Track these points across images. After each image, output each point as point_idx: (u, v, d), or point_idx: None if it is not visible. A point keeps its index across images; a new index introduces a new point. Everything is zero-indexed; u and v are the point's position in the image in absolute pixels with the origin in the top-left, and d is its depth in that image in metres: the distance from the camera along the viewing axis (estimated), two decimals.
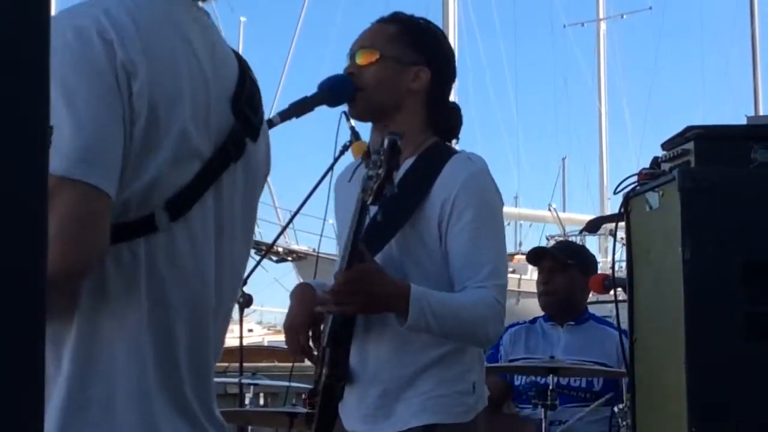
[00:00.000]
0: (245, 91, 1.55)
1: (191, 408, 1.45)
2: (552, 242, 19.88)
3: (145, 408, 1.38)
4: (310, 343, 2.56)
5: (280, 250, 18.77)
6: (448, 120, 2.64)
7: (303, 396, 5.12)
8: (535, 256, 4.68)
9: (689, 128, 2.69)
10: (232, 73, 1.55)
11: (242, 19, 31.39)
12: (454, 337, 2.46)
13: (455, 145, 2.73)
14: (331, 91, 2.53)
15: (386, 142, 2.23)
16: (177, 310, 1.42)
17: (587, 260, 4.60)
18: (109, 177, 1.31)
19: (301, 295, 2.61)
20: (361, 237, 2.38)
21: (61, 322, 1.36)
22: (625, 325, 3.03)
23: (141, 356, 1.38)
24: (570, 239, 19.99)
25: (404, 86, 2.55)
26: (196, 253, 1.44)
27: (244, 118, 1.53)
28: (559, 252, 4.59)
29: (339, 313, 2.45)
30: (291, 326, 2.57)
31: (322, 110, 2.54)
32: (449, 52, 2.69)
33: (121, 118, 1.33)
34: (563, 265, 4.43)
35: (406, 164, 2.53)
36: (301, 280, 2.78)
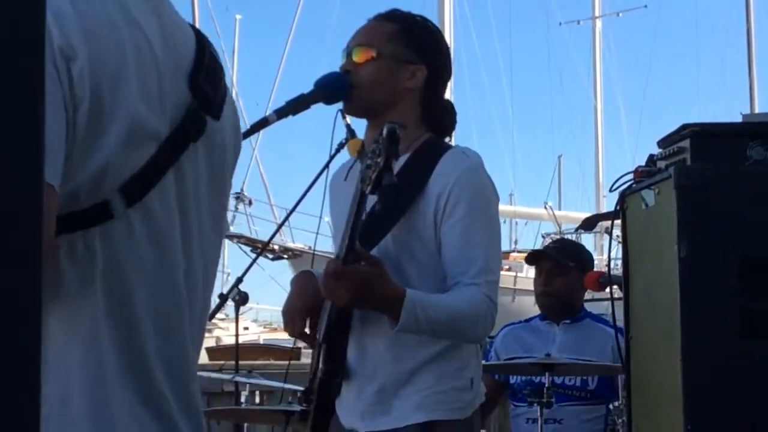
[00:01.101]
0: (203, 67, 1.48)
1: (162, 401, 1.39)
2: (548, 240, 19.92)
3: (102, 406, 1.33)
4: (307, 330, 2.56)
5: (276, 247, 18.79)
6: (443, 117, 2.65)
7: (299, 394, 5.12)
8: (534, 257, 4.67)
9: (685, 126, 2.69)
10: (188, 49, 1.48)
11: (238, 17, 31.42)
12: (444, 337, 2.47)
13: (449, 140, 2.74)
14: (328, 89, 2.53)
15: (385, 130, 2.22)
16: (140, 299, 1.37)
17: (586, 260, 4.60)
18: (53, 169, 1.25)
19: (302, 282, 2.61)
20: (360, 227, 2.38)
21: None
22: (620, 323, 3.03)
23: (98, 351, 1.33)
24: (566, 237, 20.01)
25: (401, 85, 2.55)
26: (158, 240, 1.38)
27: (203, 96, 1.46)
28: (559, 254, 4.56)
29: (329, 298, 2.45)
30: (289, 310, 2.57)
31: (319, 108, 2.54)
32: (446, 51, 2.69)
33: (62, 107, 1.27)
34: (563, 267, 4.42)
35: (401, 160, 2.53)
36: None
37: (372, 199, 2.36)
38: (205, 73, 1.47)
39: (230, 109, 1.55)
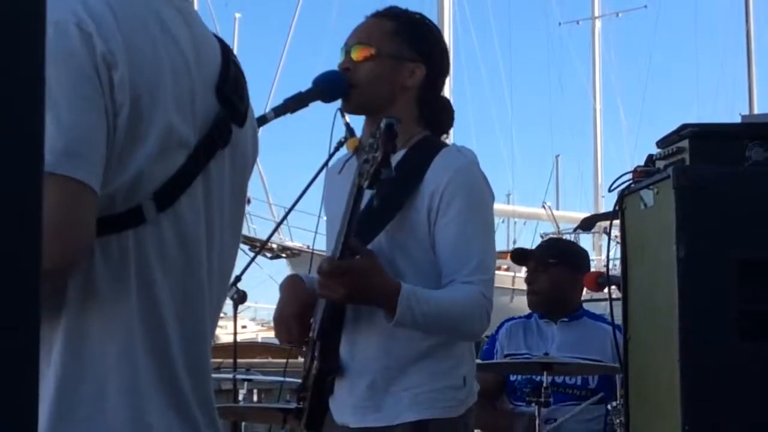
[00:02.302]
0: (230, 77, 1.53)
1: (187, 402, 1.43)
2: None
3: (136, 404, 1.36)
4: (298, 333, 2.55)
5: (275, 246, 18.78)
6: (440, 115, 2.65)
7: (296, 392, 5.11)
8: (519, 257, 4.76)
9: (684, 126, 2.69)
10: (215, 59, 1.53)
11: (237, 15, 31.31)
12: (439, 333, 2.47)
13: (445, 139, 2.74)
14: (326, 87, 2.53)
15: (383, 124, 2.22)
16: (168, 301, 1.41)
17: (573, 257, 4.60)
18: (94, 171, 1.30)
19: (291, 287, 2.60)
20: (356, 222, 2.38)
21: (48, 319, 1.34)
22: (618, 323, 3.03)
23: (132, 351, 1.37)
24: (564, 237, 20.02)
25: (399, 83, 2.55)
26: (186, 243, 1.43)
27: (230, 105, 1.51)
28: (541, 251, 4.63)
29: (323, 297, 2.44)
30: (280, 316, 2.57)
31: (317, 106, 2.54)
32: (444, 48, 2.69)
33: (104, 112, 1.31)
34: (545, 264, 4.45)
35: (397, 157, 2.53)
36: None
37: (369, 194, 2.36)
38: (231, 84, 1.53)
39: (251, 117, 1.60)
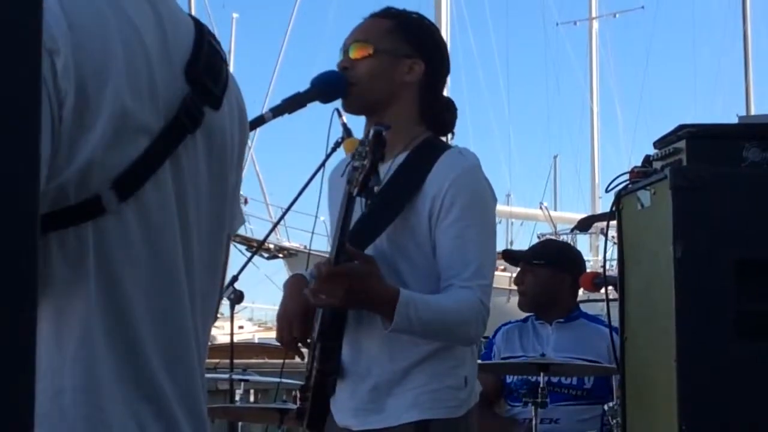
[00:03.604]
0: (201, 57, 1.45)
1: (163, 396, 1.37)
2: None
3: (93, 402, 1.31)
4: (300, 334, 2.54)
5: (271, 246, 18.78)
6: (442, 114, 2.64)
7: (294, 393, 5.12)
8: (507, 259, 4.82)
9: (681, 127, 2.69)
10: (185, 38, 1.45)
11: (234, 15, 31.31)
12: (435, 339, 2.46)
13: (451, 139, 2.73)
14: (324, 87, 2.53)
15: (372, 132, 2.22)
16: (135, 294, 1.35)
17: (561, 258, 4.60)
18: None
19: (295, 286, 2.59)
20: (350, 229, 2.37)
21: None
22: (615, 323, 3.03)
23: (91, 347, 1.31)
24: (560, 238, 20.01)
25: (398, 79, 2.54)
26: (154, 232, 1.36)
27: (201, 86, 1.43)
28: (528, 253, 4.68)
29: (317, 304, 2.44)
30: (283, 316, 2.56)
31: (315, 106, 2.54)
32: (442, 46, 2.69)
33: (47, 102, 1.24)
34: (531, 266, 4.48)
35: (399, 159, 2.53)
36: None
37: (361, 202, 2.36)
38: (204, 63, 1.44)
39: (235, 101, 1.52)
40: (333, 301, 2.38)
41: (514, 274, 4.61)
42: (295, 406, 4.01)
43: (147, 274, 1.36)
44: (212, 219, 1.48)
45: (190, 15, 1.52)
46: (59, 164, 1.26)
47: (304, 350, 2.67)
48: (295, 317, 2.53)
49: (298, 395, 2.61)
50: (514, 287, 4.70)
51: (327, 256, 2.48)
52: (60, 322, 1.31)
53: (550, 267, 4.44)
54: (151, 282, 1.37)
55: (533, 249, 4.86)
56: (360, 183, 2.25)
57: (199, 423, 1.43)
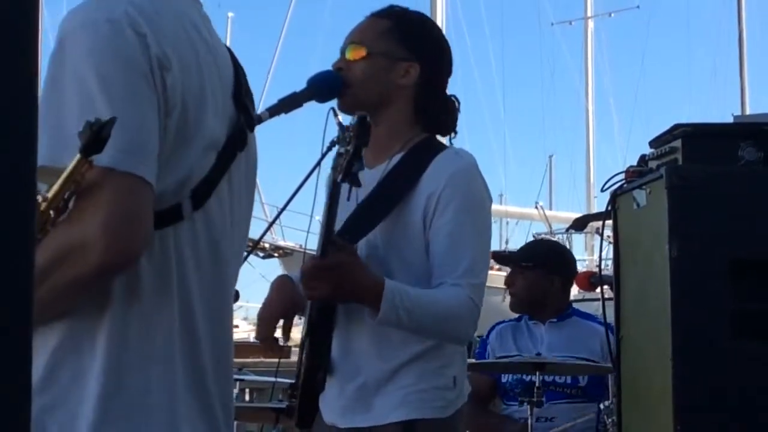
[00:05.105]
0: (242, 83, 1.58)
1: (209, 395, 1.46)
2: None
3: (172, 396, 1.40)
4: (278, 334, 2.55)
5: (267, 246, 18.76)
6: (439, 114, 2.63)
7: (288, 391, 5.12)
8: (498, 260, 4.87)
9: (677, 126, 2.69)
10: (228, 66, 1.57)
11: (230, 14, 31.35)
12: (425, 333, 2.45)
13: (453, 138, 2.72)
14: (320, 87, 2.53)
15: (355, 118, 2.23)
16: (199, 298, 1.43)
17: (551, 260, 4.60)
18: (152, 168, 1.33)
19: (281, 288, 2.60)
20: (344, 224, 2.38)
21: (95, 312, 1.36)
22: (611, 323, 3.03)
23: (171, 346, 1.39)
24: (556, 237, 20.02)
25: (393, 82, 2.54)
26: (215, 240, 1.47)
27: (245, 109, 1.56)
28: (518, 255, 4.72)
29: (307, 297, 2.44)
30: (263, 314, 2.57)
31: (311, 106, 2.54)
32: (444, 46, 2.67)
33: (158, 111, 1.34)
34: (521, 267, 4.51)
35: (395, 159, 2.53)
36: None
37: (361, 193, 2.36)
38: (244, 90, 1.58)
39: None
40: (318, 295, 2.38)
41: None
42: (286, 404, 4.02)
43: (208, 281, 1.46)
44: (243, 226, 1.61)
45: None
46: (161, 173, 1.36)
47: (294, 349, 2.68)
48: (274, 317, 2.54)
49: (289, 393, 2.61)
50: None
51: None
52: (148, 324, 1.39)
53: (540, 269, 4.45)
54: (210, 289, 1.47)
55: (523, 250, 4.87)
56: (344, 168, 2.25)
57: (229, 417, 1.54)
